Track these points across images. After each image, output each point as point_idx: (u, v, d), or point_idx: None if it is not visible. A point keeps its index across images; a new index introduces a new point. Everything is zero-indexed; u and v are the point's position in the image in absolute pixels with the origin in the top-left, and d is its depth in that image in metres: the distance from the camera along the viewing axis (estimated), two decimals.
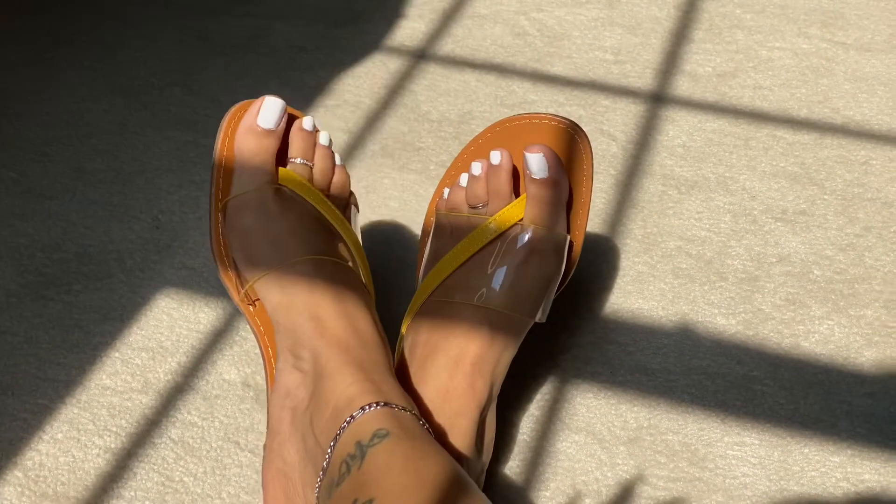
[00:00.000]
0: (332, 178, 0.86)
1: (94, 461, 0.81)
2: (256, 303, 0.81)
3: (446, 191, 0.88)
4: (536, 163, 0.82)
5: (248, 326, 0.91)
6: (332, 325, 0.77)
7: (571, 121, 0.85)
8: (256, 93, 1.15)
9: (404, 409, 0.71)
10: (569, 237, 0.84)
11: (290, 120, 0.85)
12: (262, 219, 0.80)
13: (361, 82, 1.17)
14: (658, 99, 1.16)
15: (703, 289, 0.95)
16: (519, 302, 0.81)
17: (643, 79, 1.18)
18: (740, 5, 1.30)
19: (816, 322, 0.93)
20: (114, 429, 0.84)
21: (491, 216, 0.83)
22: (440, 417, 0.77)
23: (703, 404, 0.86)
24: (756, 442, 0.84)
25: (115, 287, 0.94)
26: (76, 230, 0.99)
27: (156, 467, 0.81)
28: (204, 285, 0.94)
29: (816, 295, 0.95)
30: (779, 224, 1.01)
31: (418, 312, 0.82)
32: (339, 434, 0.70)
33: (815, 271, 0.97)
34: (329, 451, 0.70)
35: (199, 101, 1.14)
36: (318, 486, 0.70)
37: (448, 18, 1.27)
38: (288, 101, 1.13)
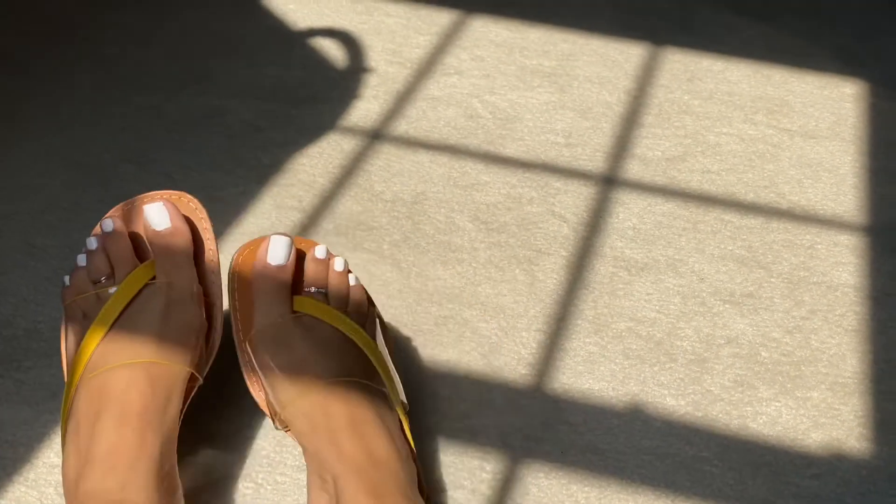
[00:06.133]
0: (348, 301, 0.88)
1: None
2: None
3: (66, 278, 0.88)
4: (157, 213, 0.88)
5: None
6: (348, 449, 0.79)
7: (172, 191, 0.92)
8: (211, 170, 1.15)
9: None
10: (198, 284, 0.86)
11: (300, 254, 0.89)
12: (283, 349, 0.83)
13: (316, 161, 1.18)
14: (609, 181, 1.18)
15: (653, 370, 0.96)
16: (169, 351, 0.82)
17: (594, 162, 1.20)
18: (688, 92, 1.33)
19: (764, 404, 0.94)
20: None
21: (118, 284, 0.84)
22: (114, 474, 0.76)
23: (653, 484, 0.87)
24: None
25: None
26: (27, 306, 0.98)
27: None
28: None
29: (764, 377, 0.96)
30: (727, 306, 1.03)
31: (76, 394, 0.81)
32: None
33: (763, 353, 0.98)
34: None
35: (153, 177, 1.14)
36: None
37: (402, 99, 1.28)
38: (241, 180, 1.14)
